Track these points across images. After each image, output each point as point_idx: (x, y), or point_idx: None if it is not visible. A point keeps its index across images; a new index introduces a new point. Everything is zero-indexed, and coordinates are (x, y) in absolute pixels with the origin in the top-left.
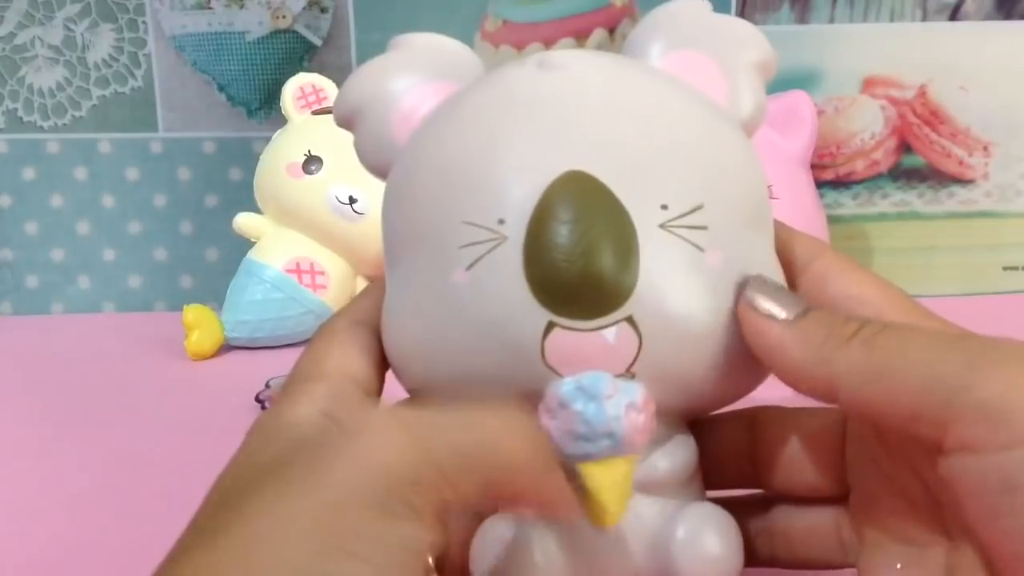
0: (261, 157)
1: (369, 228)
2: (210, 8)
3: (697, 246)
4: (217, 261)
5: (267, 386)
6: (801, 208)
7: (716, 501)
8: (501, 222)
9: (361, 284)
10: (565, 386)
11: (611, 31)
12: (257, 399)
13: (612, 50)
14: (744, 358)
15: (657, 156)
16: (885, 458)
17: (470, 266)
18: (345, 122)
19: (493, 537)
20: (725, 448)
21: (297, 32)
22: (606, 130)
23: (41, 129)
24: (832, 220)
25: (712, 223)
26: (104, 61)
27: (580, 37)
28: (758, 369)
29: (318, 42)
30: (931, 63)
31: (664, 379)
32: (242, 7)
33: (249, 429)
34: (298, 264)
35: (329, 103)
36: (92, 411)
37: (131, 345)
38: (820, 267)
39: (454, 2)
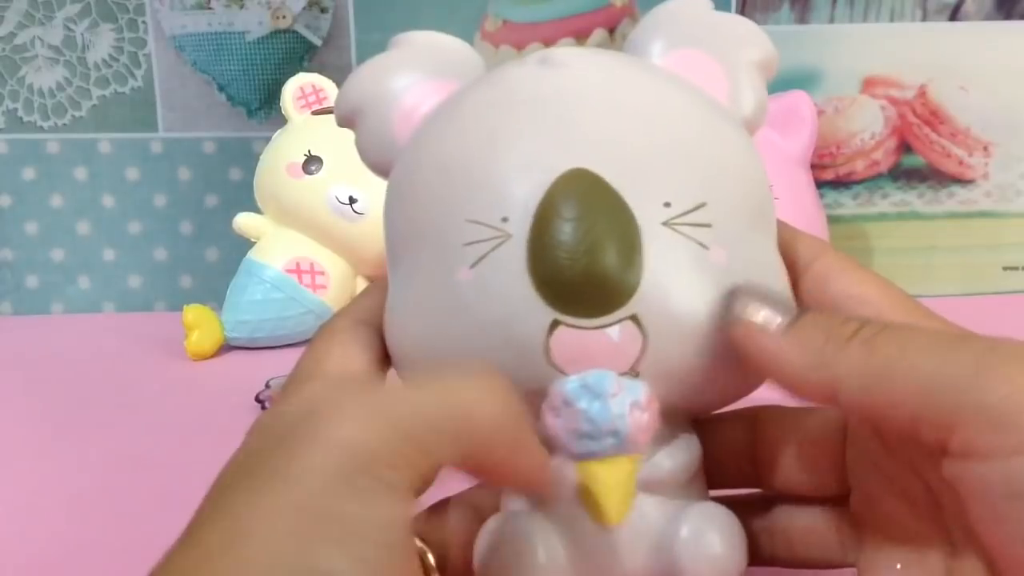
0: (261, 157)
1: (369, 228)
2: (210, 8)
3: (701, 244)
4: (217, 261)
5: (267, 386)
6: (801, 208)
7: (716, 500)
8: (505, 220)
9: (361, 284)
10: (569, 384)
11: (611, 31)
12: (257, 399)
13: (612, 49)
14: None
15: (660, 154)
16: (886, 458)
17: (474, 264)
18: (346, 121)
19: (497, 536)
20: (725, 448)
21: (297, 32)
22: (609, 128)
23: (41, 129)
24: (832, 220)
25: (715, 221)
26: (104, 61)
27: (580, 37)
28: None
29: (318, 42)
30: (931, 63)
31: (668, 377)
32: (242, 7)
33: (249, 429)
34: (298, 264)
35: (329, 103)
36: (92, 411)
37: (131, 345)
38: (821, 267)
39: (454, 2)
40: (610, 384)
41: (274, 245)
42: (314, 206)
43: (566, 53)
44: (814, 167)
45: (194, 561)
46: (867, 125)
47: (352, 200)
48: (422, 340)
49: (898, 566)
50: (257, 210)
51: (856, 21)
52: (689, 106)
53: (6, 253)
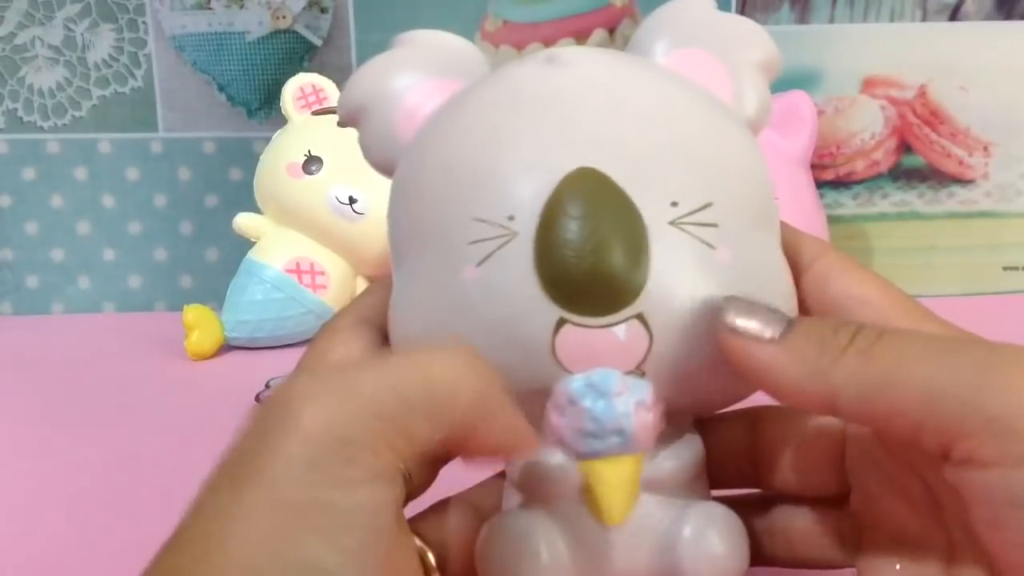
0: (261, 157)
1: (369, 228)
2: (210, 8)
3: (707, 243)
4: (217, 261)
5: (267, 386)
6: (801, 208)
7: (716, 500)
8: (511, 218)
9: (361, 284)
10: (575, 383)
11: (611, 31)
12: (257, 399)
13: (613, 49)
14: None
15: (666, 153)
16: (886, 459)
17: (480, 262)
18: (350, 119)
19: (499, 535)
20: (725, 448)
21: (297, 32)
22: (615, 127)
23: (41, 129)
24: (832, 220)
25: (721, 220)
26: (104, 61)
27: (580, 37)
28: None
29: (318, 42)
30: (931, 63)
31: (673, 377)
32: (242, 7)
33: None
34: (298, 264)
35: (329, 103)
36: (92, 411)
37: (131, 345)
38: (822, 267)
39: (454, 2)
40: (615, 383)
41: (274, 245)
42: (314, 206)
43: (572, 52)
44: (814, 167)
45: (181, 563)
46: (867, 125)
47: (352, 200)
48: (427, 339)
49: (898, 566)
50: (257, 210)
51: (856, 21)
52: (694, 105)
53: (6, 253)
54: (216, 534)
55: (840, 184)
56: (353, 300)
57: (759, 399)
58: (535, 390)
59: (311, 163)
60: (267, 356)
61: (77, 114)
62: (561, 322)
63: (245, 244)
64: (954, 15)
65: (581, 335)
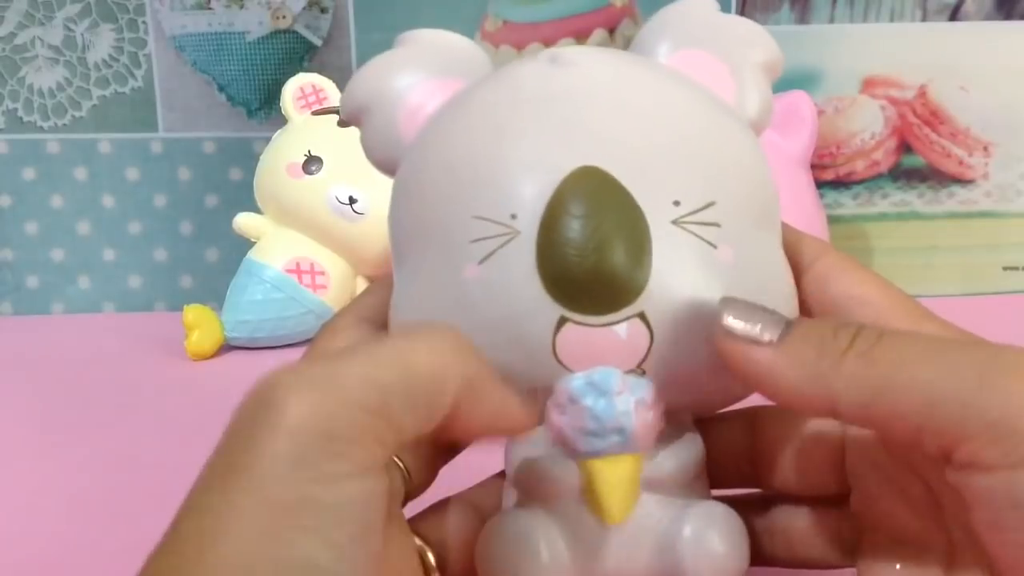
0: (261, 157)
1: (369, 228)
2: (210, 8)
3: (709, 243)
4: (217, 261)
5: None
6: (801, 208)
7: (716, 500)
8: (513, 216)
9: (361, 284)
10: (575, 381)
11: (611, 31)
12: None
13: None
14: None
15: (668, 152)
16: (886, 459)
17: (482, 260)
18: (352, 119)
19: (499, 535)
20: (725, 447)
21: (297, 32)
22: (617, 126)
23: (41, 129)
24: (832, 220)
25: (723, 220)
26: (104, 61)
27: (580, 37)
28: None
29: (318, 42)
30: (931, 63)
31: (674, 376)
32: (242, 7)
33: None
34: (298, 264)
35: (329, 103)
36: (92, 411)
37: (131, 345)
38: (822, 267)
39: (454, 2)
40: (616, 382)
41: (274, 245)
42: (314, 206)
43: (575, 52)
44: (814, 167)
45: (174, 563)
46: (867, 125)
47: (352, 200)
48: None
49: (898, 567)
50: (257, 210)
51: (856, 21)
52: (696, 105)
53: (6, 253)
54: (208, 534)
55: (840, 184)
56: (353, 300)
57: (759, 399)
58: (536, 388)
59: (311, 163)
60: (267, 356)
61: (77, 114)
62: (562, 321)
63: (245, 244)
64: (954, 15)
65: (582, 334)
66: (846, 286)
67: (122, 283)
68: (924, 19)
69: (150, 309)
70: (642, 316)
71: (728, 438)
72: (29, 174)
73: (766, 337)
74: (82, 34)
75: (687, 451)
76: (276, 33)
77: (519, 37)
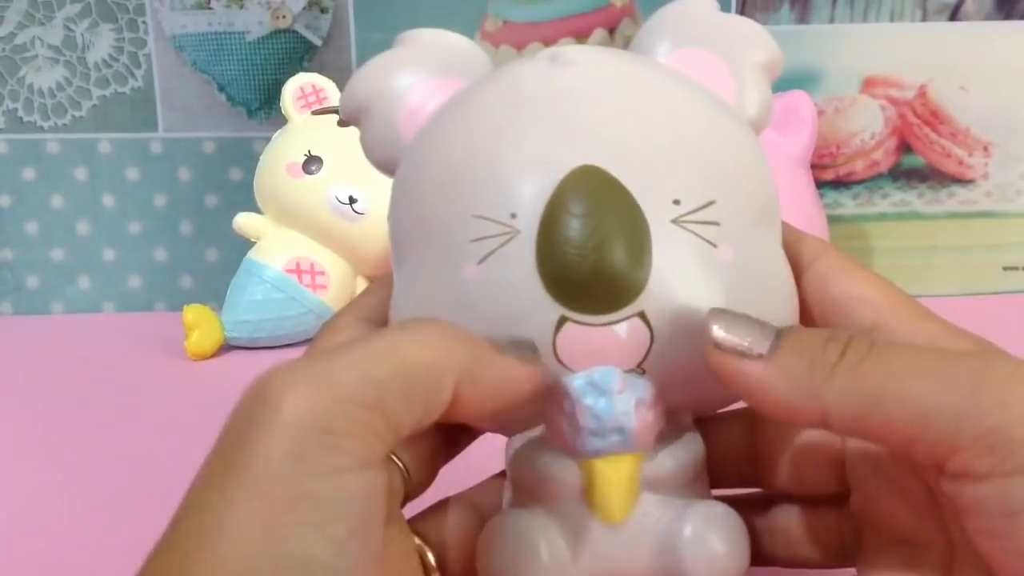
0: (261, 157)
1: (369, 228)
2: (210, 8)
3: (709, 242)
4: (217, 261)
5: None
6: (801, 208)
7: (716, 499)
8: (513, 216)
9: (361, 284)
10: (575, 381)
11: (611, 31)
12: None
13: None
14: None
15: (669, 152)
16: (885, 460)
17: (482, 260)
18: (352, 119)
19: (499, 535)
20: (725, 447)
21: (297, 32)
22: (618, 126)
23: (41, 129)
24: (832, 220)
25: (723, 219)
26: (104, 61)
27: (580, 37)
28: None
29: (318, 42)
30: (931, 63)
31: (674, 375)
32: (242, 7)
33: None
34: (298, 264)
35: (329, 103)
36: (92, 411)
37: (131, 345)
38: (822, 267)
39: (454, 2)
40: (616, 381)
41: (274, 245)
42: (314, 206)
43: (575, 51)
44: (814, 167)
45: (175, 561)
46: (867, 125)
47: (352, 200)
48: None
49: (897, 566)
50: (257, 210)
51: (856, 21)
52: (696, 104)
53: (6, 253)
54: (208, 532)
55: (840, 184)
56: (353, 299)
57: None
58: (536, 388)
59: (311, 163)
60: (267, 356)
61: (77, 114)
62: (562, 320)
63: (245, 244)
64: (954, 15)
65: (582, 333)
66: (846, 286)
67: (122, 283)
68: (924, 19)
69: (150, 309)
70: (642, 315)
71: (728, 438)
72: (29, 174)
73: (756, 350)
74: (82, 34)
75: (687, 451)
76: (276, 33)
77: (519, 37)
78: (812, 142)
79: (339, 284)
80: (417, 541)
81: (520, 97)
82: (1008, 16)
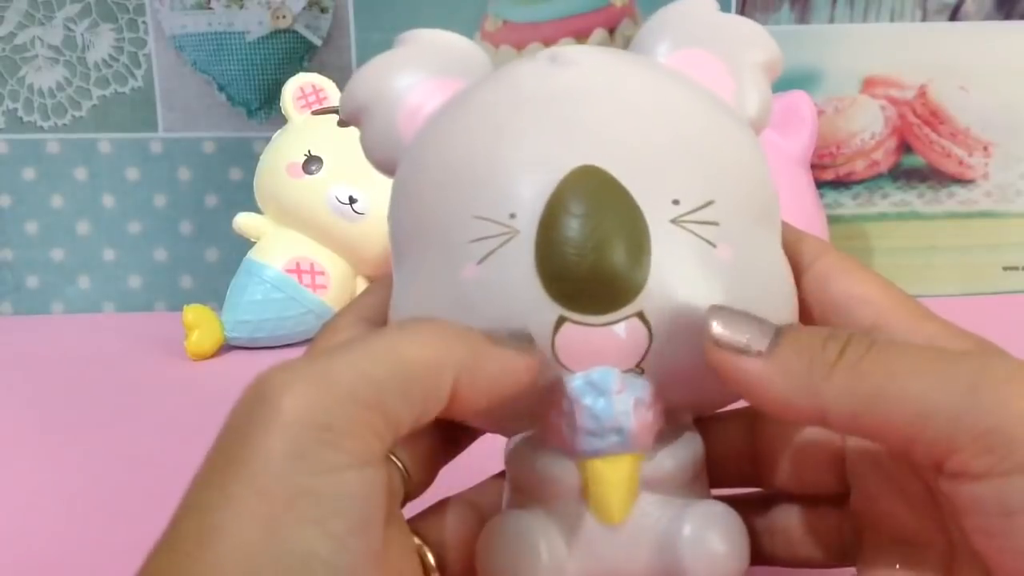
0: (261, 157)
1: (369, 228)
2: (210, 8)
3: (708, 241)
4: (217, 261)
5: None
6: (801, 208)
7: (717, 499)
8: (512, 216)
9: (361, 284)
10: (574, 381)
11: (611, 31)
12: None
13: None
14: None
15: (668, 151)
16: (885, 459)
17: (481, 260)
18: (352, 119)
19: (499, 535)
20: (725, 446)
21: (297, 32)
22: (617, 126)
23: (41, 129)
24: (832, 220)
25: (723, 219)
26: (104, 61)
27: (580, 37)
28: None
29: (318, 42)
30: (931, 63)
31: (673, 375)
32: (242, 7)
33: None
34: (298, 264)
35: (329, 103)
36: (92, 411)
37: (131, 345)
38: (822, 266)
39: (454, 2)
40: (614, 381)
41: (274, 245)
42: (314, 206)
43: (575, 51)
44: (814, 167)
45: (175, 560)
46: (867, 125)
47: (352, 200)
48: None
49: (897, 566)
50: (257, 210)
51: (856, 21)
52: (696, 104)
53: (6, 253)
54: (208, 530)
55: (840, 184)
56: (353, 300)
57: None
58: (535, 388)
59: (311, 163)
60: (267, 356)
61: (77, 114)
62: (561, 320)
63: (245, 244)
64: (954, 15)
65: (581, 333)
66: (847, 285)
67: (122, 283)
68: (924, 19)
69: (150, 309)
70: (641, 315)
71: (728, 437)
72: (29, 174)
73: (755, 348)
74: (82, 34)
75: (686, 450)
76: (276, 33)
77: (519, 37)
78: (812, 142)
79: (339, 284)
80: (417, 541)
81: (519, 97)
82: (1008, 16)
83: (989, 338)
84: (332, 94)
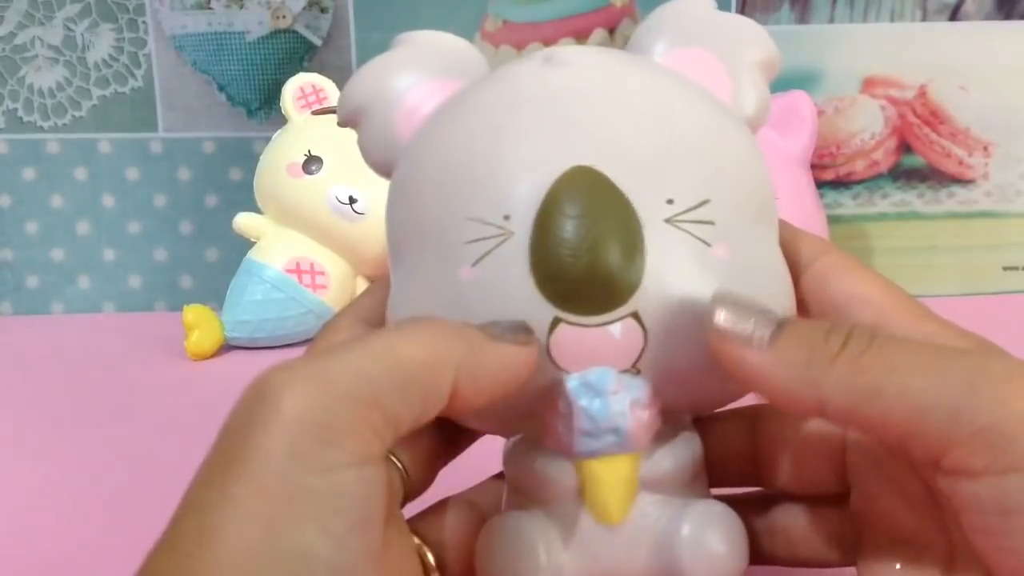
0: (261, 157)
1: (369, 228)
2: (210, 8)
3: (704, 241)
4: (217, 261)
5: None
6: (801, 208)
7: (716, 499)
8: (507, 218)
9: (361, 284)
10: (570, 382)
11: (611, 31)
12: None
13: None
14: None
15: (663, 151)
16: (885, 459)
17: (476, 262)
18: (349, 120)
19: (498, 536)
20: (726, 446)
21: (297, 32)
22: (612, 126)
23: (41, 129)
24: (832, 220)
25: (718, 218)
26: (104, 61)
27: (580, 37)
28: None
29: (318, 42)
30: (931, 63)
31: (669, 375)
32: (242, 7)
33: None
34: (298, 264)
35: (329, 103)
36: (92, 411)
37: (131, 345)
38: (822, 266)
39: (454, 2)
40: (610, 382)
41: (274, 245)
42: (314, 206)
43: (570, 52)
44: (814, 167)
45: (175, 560)
46: (867, 125)
47: (352, 200)
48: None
49: (897, 566)
50: (257, 210)
51: (856, 21)
52: (692, 104)
53: (6, 253)
54: (208, 529)
55: (840, 184)
56: (353, 300)
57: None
58: (531, 390)
59: (311, 163)
60: (267, 356)
61: (77, 114)
62: (556, 321)
63: (245, 244)
64: (954, 15)
65: (576, 334)
66: (847, 285)
67: (122, 283)
68: (924, 19)
69: (150, 309)
70: (636, 315)
71: (727, 437)
72: (29, 174)
73: (758, 337)
74: (82, 34)
75: (685, 450)
76: (276, 33)
77: (519, 37)
78: (812, 142)
79: (339, 284)
80: (416, 541)
81: (515, 98)
82: (1008, 16)
83: (989, 338)
84: (332, 94)
